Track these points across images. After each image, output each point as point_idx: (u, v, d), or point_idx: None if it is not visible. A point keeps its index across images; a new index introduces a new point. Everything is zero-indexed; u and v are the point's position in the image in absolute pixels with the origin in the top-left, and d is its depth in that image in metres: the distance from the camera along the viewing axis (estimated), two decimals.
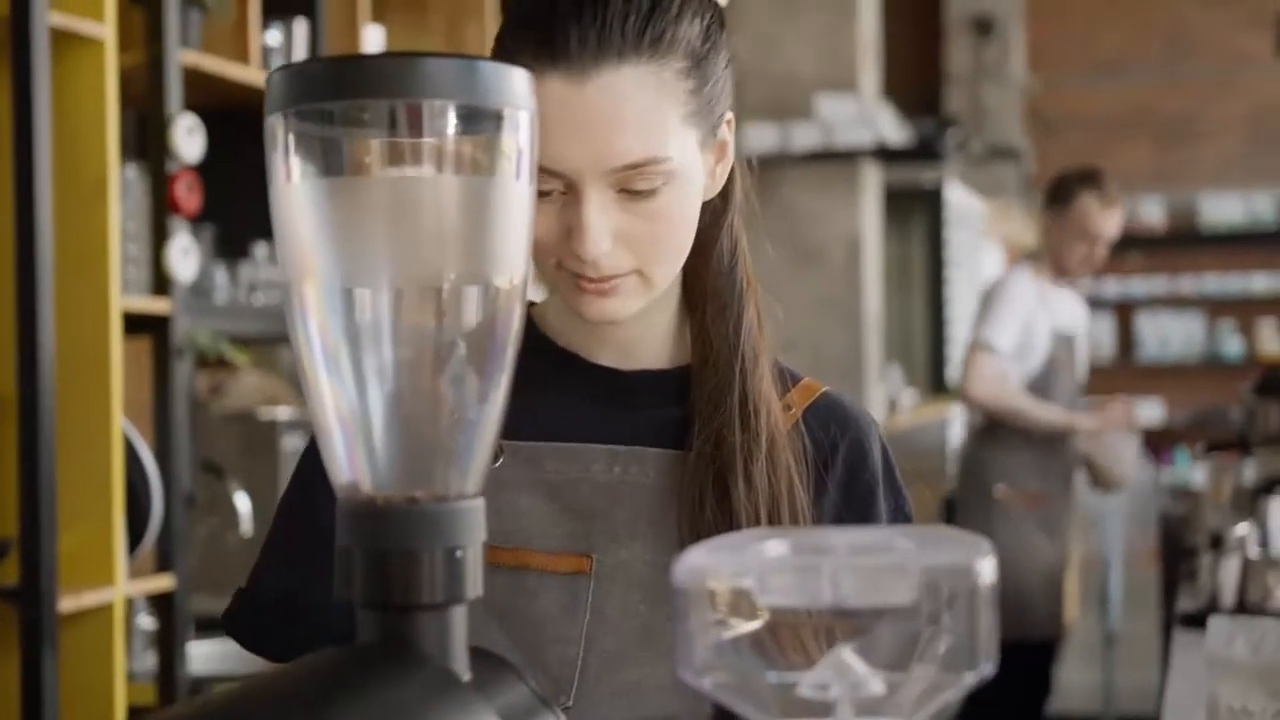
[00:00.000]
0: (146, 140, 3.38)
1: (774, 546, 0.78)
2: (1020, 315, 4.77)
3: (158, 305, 3.31)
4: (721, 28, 1.38)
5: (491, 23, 4.63)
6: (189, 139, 3.33)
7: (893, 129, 7.04)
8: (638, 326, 1.42)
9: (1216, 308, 10.64)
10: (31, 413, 2.90)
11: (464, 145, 0.85)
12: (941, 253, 8.45)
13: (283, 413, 3.77)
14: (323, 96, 0.83)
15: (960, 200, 8.67)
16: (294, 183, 0.85)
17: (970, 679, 0.73)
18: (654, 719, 1.35)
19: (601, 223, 1.30)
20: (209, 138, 3.40)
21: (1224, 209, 10.58)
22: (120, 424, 3.11)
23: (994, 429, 4.84)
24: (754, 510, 1.35)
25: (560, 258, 1.32)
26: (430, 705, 0.81)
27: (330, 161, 0.85)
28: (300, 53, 3.86)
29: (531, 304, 1.46)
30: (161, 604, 3.40)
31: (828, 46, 6.92)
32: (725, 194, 1.45)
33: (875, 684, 0.74)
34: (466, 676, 0.84)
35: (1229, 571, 3.12)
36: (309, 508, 1.41)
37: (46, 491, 2.92)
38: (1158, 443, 10.37)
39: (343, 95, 0.83)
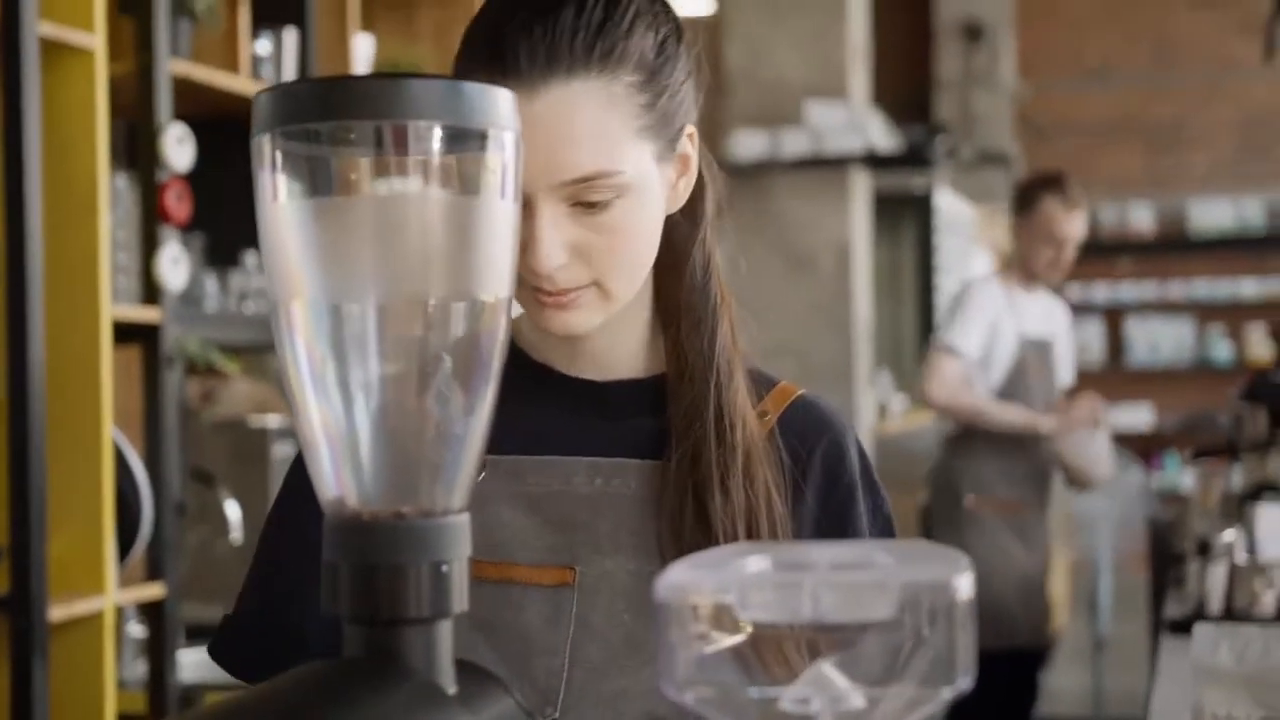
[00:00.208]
0: (136, 149, 3.39)
1: (755, 562, 0.78)
2: (985, 321, 4.77)
3: (148, 314, 3.32)
4: (679, 41, 1.38)
5: None
6: (179, 148, 3.34)
7: (882, 135, 7.05)
8: (610, 338, 1.43)
9: (1206, 313, 10.66)
10: (22, 421, 2.91)
11: (449, 164, 0.86)
12: (931, 259, 8.47)
13: (273, 420, 3.77)
14: (309, 117, 0.84)
15: (950, 206, 8.69)
16: (281, 202, 0.86)
17: (948, 694, 0.74)
18: None
19: (554, 236, 1.30)
20: (199, 147, 3.40)
21: (1213, 214, 10.60)
22: (110, 432, 3.12)
23: (964, 438, 4.83)
24: (731, 523, 1.36)
25: (519, 272, 1.33)
26: (416, 719, 0.82)
27: (317, 181, 0.86)
28: (290, 62, 3.86)
29: None
30: (152, 612, 3.41)
31: (817, 53, 6.94)
32: (696, 208, 1.46)
33: (856, 698, 0.75)
34: (452, 690, 0.85)
35: (1216, 578, 3.13)
36: (294, 534, 1.41)
37: (36, 500, 2.92)
38: (1147, 447, 10.38)
39: (329, 116, 0.84)
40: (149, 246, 3.33)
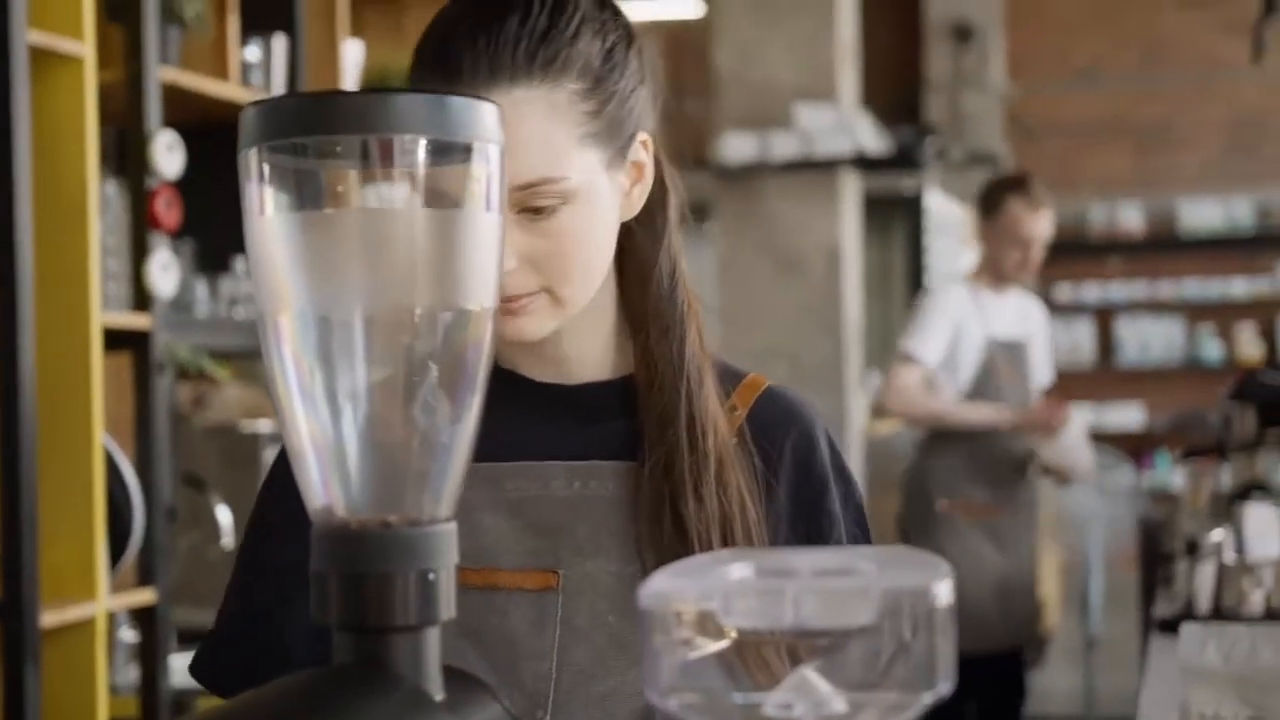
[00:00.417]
0: (126, 157, 3.39)
1: (738, 569, 0.79)
2: (946, 326, 4.76)
3: (138, 321, 3.32)
4: (628, 48, 1.39)
5: None
6: (168, 155, 3.34)
7: (871, 137, 7.06)
8: (575, 343, 1.44)
9: (1196, 312, 10.67)
10: (13, 428, 2.91)
11: (434, 177, 0.88)
12: (922, 260, 8.48)
13: (264, 426, 3.78)
14: (296, 132, 0.85)
15: (940, 207, 8.70)
16: (268, 215, 0.87)
17: (929, 698, 0.75)
18: None
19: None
20: (188, 153, 3.41)
21: (1203, 214, 10.62)
22: (101, 439, 3.12)
23: (935, 441, 4.82)
24: (707, 529, 1.37)
25: None
26: None
27: (304, 195, 0.87)
28: (279, 68, 3.87)
29: None
30: (143, 617, 3.41)
31: (807, 56, 6.95)
32: (658, 217, 1.47)
33: (838, 704, 0.76)
34: (440, 697, 0.86)
35: (1204, 577, 3.14)
36: (271, 551, 1.43)
37: (28, 506, 2.92)
38: (1138, 447, 10.40)
39: (315, 130, 0.85)
40: (139, 253, 3.34)
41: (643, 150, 1.42)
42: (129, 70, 3.33)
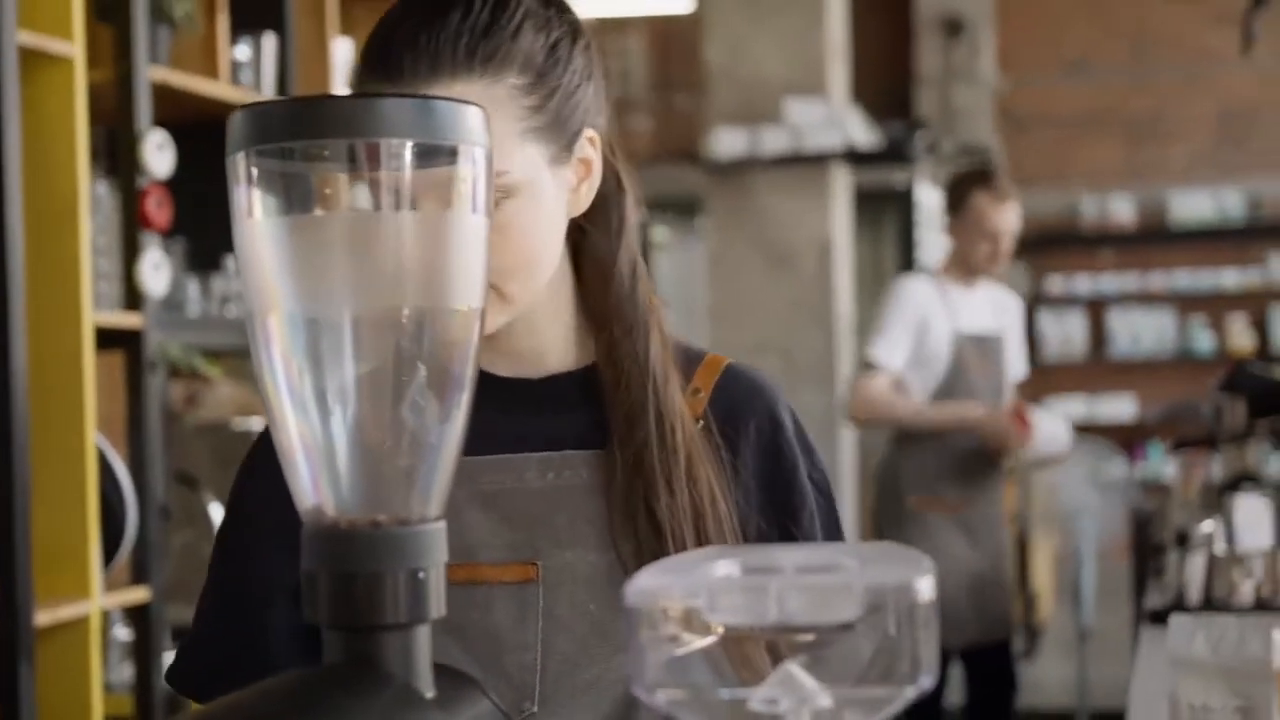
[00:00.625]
0: (116, 156, 3.40)
1: (723, 566, 0.80)
2: (910, 325, 4.74)
3: (130, 320, 3.33)
4: (573, 44, 1.39)
5: None
6: (159, 155, 3.34)
7: (862, 132, 7.07)
8: (533, 338, 1.45)
9: (1187, 304, 10.68)
10: (5, 428, 2.92)
11: (421, 180, 0.88)
12: (913, 253, 8.48)
13: (256, 423, 3.78)
14: (283, 136, 0.86)
15: (931, 201, 8.70)
16: (256, 218, 0.87)
17: (912, 692, 0.76)
18: (616, 713, 1.39)
19: None
20: (179, 152, 3.41)
21: (1194, 206, 10.63)
22: (94, 438, 3.13)
23: (906, 437, 4.80)
24: (679, 521, 1.38)
25: None
26: None
27: (292, 198, 0.88)
28: (269, 67, 3.87)
29: None
30: (137, 615, 3.42)
31: (797, 51, 6.95)
32: (612, 215, 1.48)
33: (822, 698, 0.77)
34: (430, 694, 0.87)
35: (1195, 568, 3.15)
36: (246, 555, 1.44)
37: (21, 506, 2.93)
38: (1130, 438, 10.41)
39: (303, 135, 0.86)
40: (130, 253, 3.34)
41: (590, 147, 1.43)
42: (119, 70, 3.33)
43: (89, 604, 3.12)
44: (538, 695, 1.37)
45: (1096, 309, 10.81)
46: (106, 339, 3.26)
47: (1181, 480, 5.07)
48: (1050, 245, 10.73)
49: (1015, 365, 5.04)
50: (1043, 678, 6.92)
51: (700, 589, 0.78)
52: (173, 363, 3.48)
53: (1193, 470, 5.06)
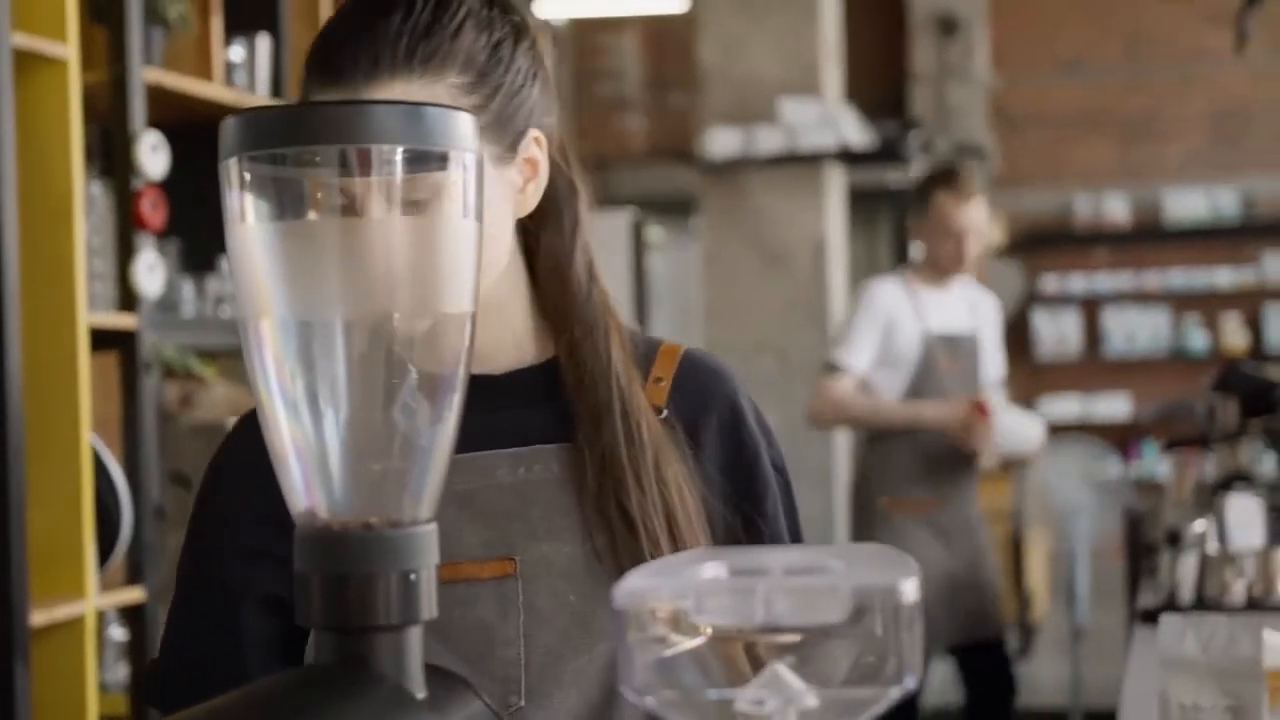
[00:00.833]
0: (111, 157, 3.40)
1: (711, 569, 0.81)
2: (876, 327, 4.71)
3: (124, 321, 3.33)
4: (517, 44, 1.40)
5: None
6: (153, 156, 3.35)
7: (856, 131, 7.08)
8: (488, 335, 1.44)
9: (1182, 302, 10.70)
10: (1, 429, 2.92)
11: (412, 185, 0.89)
12: (908, 253, 8.49)
13: None
14: (275, 142, 0.87)
15: None
16: (249, 223, 0.88)
17: (897, 693, 0.77)
18: (601, 701, 1.40)
19: None
20: (173, 153, 3.42)
21: (1188, 204, 10.64)
22: (89, 439, 3.13)
23: (876, 438, 4.78)
24: (650, 515, 1.40)
25: None
26: None
27: (284, 203, 0.88)
28: (263, 68, 3.87)
29: None
30: (132, 616, 3.43)
31: (791, 51, 6.96)
32: (563, 217, 1.48)
33: (809, 699, 0.78)
34: (421, 694, 0.88)
35: (1187, 568, 3.15)
36: (213, 564, 1.43)
37: (16, 506, 2.94)
38: (1125, 437, 10.43)
39: (294, 141, 0.87)
40: (125, 253, 3.35)
41: (536, 147, 1.43)
42: (113, 71, 3.34)
43: (84, 604, 3.13)
44: (524, 689, 1.38)
45: (1091, 308, 10.82)
46: (101, 340, 3.27)
47: (1175, 480, 5.08)
48: (1045, 244, 10.75)
49: (992, 365, 5.00)
50: (1037, 676, 6.93)
51: (688, 591, 0.78)
52: (167, 363, 3.49)
53: (1186, 469, 5.07)
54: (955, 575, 4.63)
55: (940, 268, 4.80)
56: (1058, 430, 10.12)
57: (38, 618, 3.00)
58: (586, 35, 10.60)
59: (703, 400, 1.49)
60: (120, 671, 3.57)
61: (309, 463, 0.88)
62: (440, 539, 1.40)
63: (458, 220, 0.89)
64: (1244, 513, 3.43)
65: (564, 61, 5.80)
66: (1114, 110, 10.80)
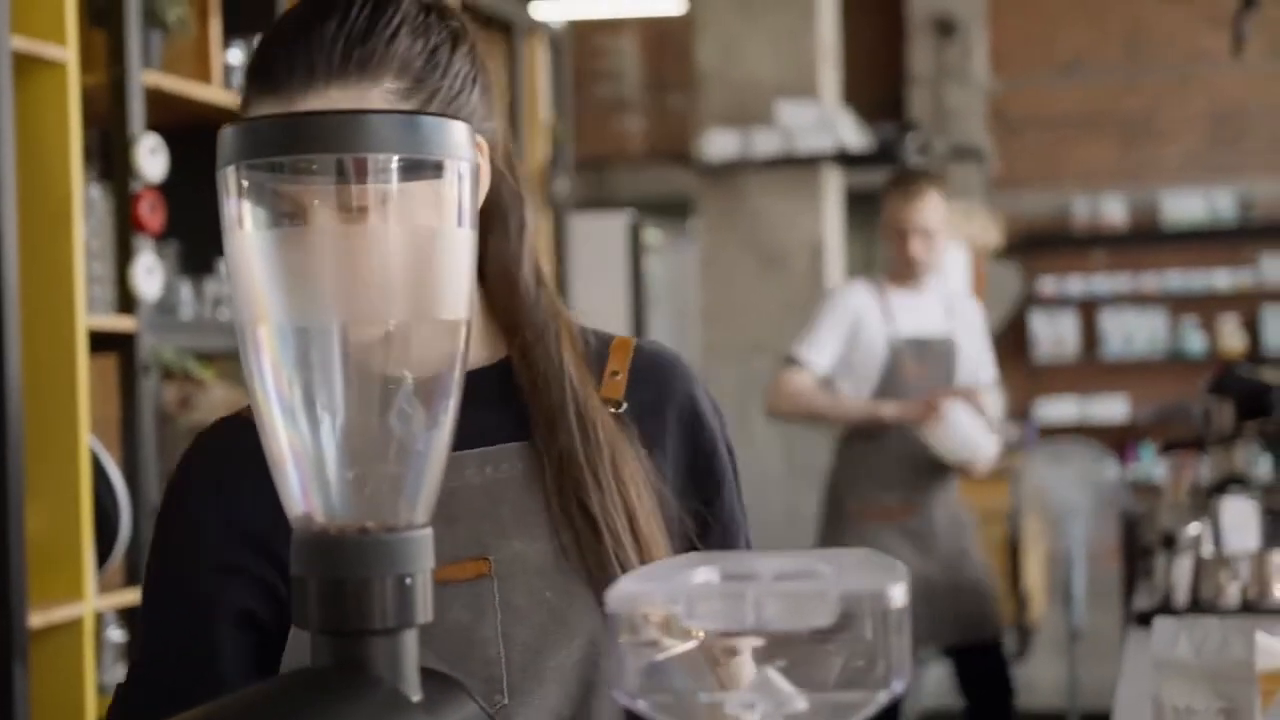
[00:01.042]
0: (110, 160, 3.41)
1: (702, 573, 0.82)
2: (840, 329, 4.69)
3: (123, 323, 3.34)
4: (454, 49, 1.40)
5: None
6: (152, 159, 3.36)
7: (853, 134, 7.09)
8: None
9: (1179, 304, 10.72)
10: (0, 430, 2.93)
11: (408, 194, 0.91)
12: None
13: None
14: (273, 151, 0.88)
15: None
16: (246, 231, 0.89)
17: (884, 697, 0.78)
18: (580, 694, 1.41)
19: None
20: (171, 156, 3.42)
21: (1185, 206, 10.66)
22: (87, 441, 3.14)
23: (847, 443, 4.77)
24: (611, 514, 1.41)
25: None
26: None
27: (281, 211, 0.89)
28: None
29: None
30: (131, 617, 3.43)
31: (788, 53, 6.97)
32: (512, 221, 1.48)
33: (798, 702, 0.79)
34: (417, 698, 0.88)
35: (1182, 570, 3.16)
36: (185, 578, 1.42)
37: (15, 508, 2.94)
38: (1122, 439, 10.44)
39: (291, 150, 0.88)
40: (123, 256, 3.36)
41: (477, 153, 1.44)
42: (112, 74, 3.35)
43: (83, 606, 3.13)
44: (506, 687, 1.38)
45: (1088, 310, 10.83)
46: (100, 342, 3.28)
47: (1171, 482, 5.08)
48: (1042, 246, 10.76)
49: (974, 368, 4.94)
50: (1034, 678, 6.94)
51: (680, 595, 0.79)
52: (166, 365, 3.49)
53: (1182, 472, 5.07)
54: (932, 580, 4.57)
55: (898, 270, 4.78)
56: (1055, 432, 10.15)
57: (36, 619, 3.00)
58: (585, 37, 10.61)
59: (660, 392, 1.51)
60: (118, 673, 3.57)
61: (306, 468, 0.89)
62: None
63: (452, 228, 0.90)
64: (1239, 515, 3.44)
65: (562, 63, 5.80)
66: (1112, 112, 10.82)
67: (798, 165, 6.86)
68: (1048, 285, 10.76)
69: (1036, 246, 10.73)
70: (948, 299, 4.93)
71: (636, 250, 8.21)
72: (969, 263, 9.20)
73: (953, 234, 8.77)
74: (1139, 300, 10.73)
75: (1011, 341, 10.50)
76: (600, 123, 10.98)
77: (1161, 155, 10.81)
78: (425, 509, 0.91)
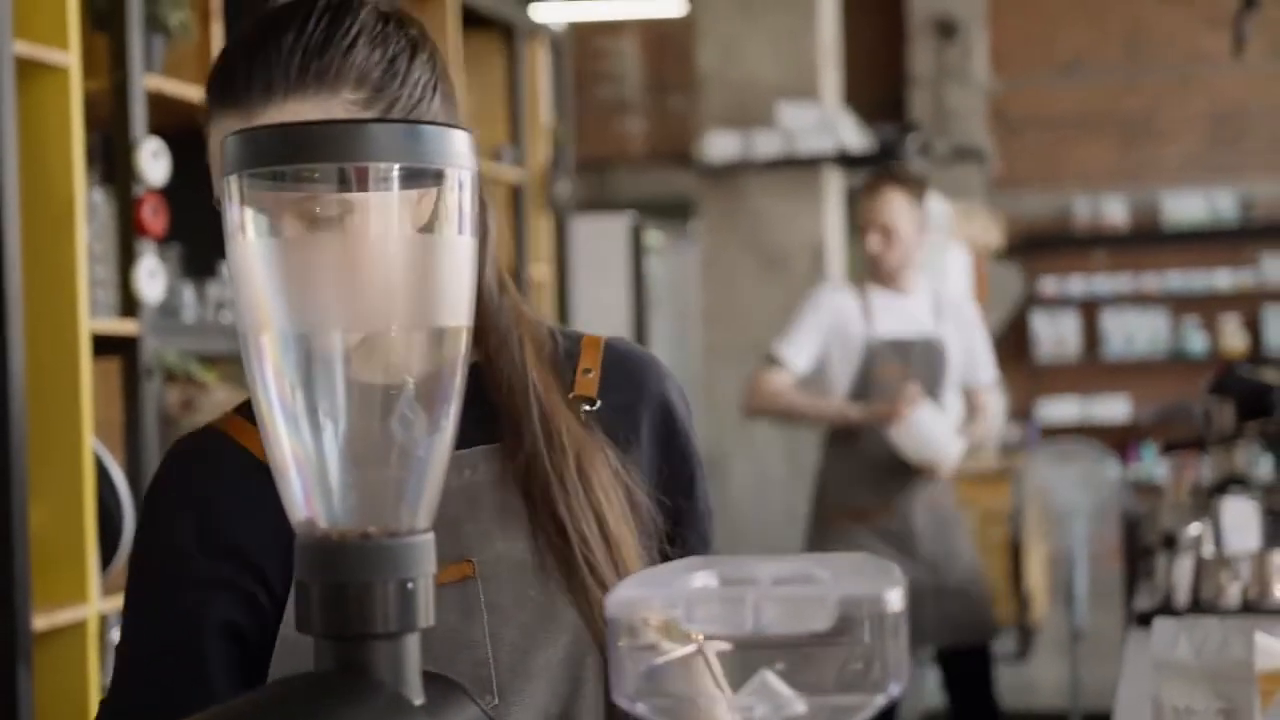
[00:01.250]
0: (112, 164, 3.41)
1: (701, 578, 0.83)
2: (819, 331, 4.70)
3: (126, 326, 3.35)
4: (413, 58, 1.40)
5: (456, 43, 4.67)
6: (154, 162, 3.36)
7: (854, 135, 7.10)
8: None
9: (1180, 304, 10.73)
10: (3, 433, 2.94)
11: (409, 202, 0.92)
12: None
13: None
14: (275, 160, 0.89)
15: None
16: (249, 238, 0.90)
17: (882, 700, 0.79)
18: (568, 691, 1.42)
19: None
20: (174, 159, 3.43)
21: (1186, 207, 10.67)
22: (91, 444, 3.15)
23: (830, 446, 4.76)
24: (577, 519, 1.41)
25: None
26: None
27: (283, 219, 0.90)
28: None
29: None
30: None
31: (789, 53, 6.98)
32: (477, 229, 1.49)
33: (797, 705, 0.80)
34: (419, 701, 0.89)
35: (1182, 570, 3.17)
36: (170, 590, 1.41)
37: (19, 511, 2.95)
38: (1124, 439, 10.45)
39: (293, 159, 0.89)
40: (126, 260, 3.36)
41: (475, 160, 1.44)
42: (114, 79, 3.35)
43: (86, 608, 3.14)
44: (496, 687, 1.39)
45: (1090, 310, 10.84)
46: (103, 345, 3.28)
47: (1172, 482, 5.09)
48: (1043, 246, 10.77)
49: (968, 368, 4.91)
50: (1036, 678, 6.95)
51: (679, 600, 0.80)
52: (168, 368, 3.50)
53: (1183, 472, 5.08)
54: (914, 582, 4.51)
55: (871, 268, 4.79)
56: (1056, 432, 10.16)
57: (40, 622, 3.01)
58: (586, 39, 10.62)
59: (633, 388, 1.51)
60: None
61: (308, 473, 0.90)
62: None
63: (454, 236, 0.91)
64: (1239, 516, 3.44)
65: (563, 65, 5.81)
66: (1112, 112, 10.83)
67: (798, 166, 6.87)
68: (1049, 285, 10.77)
69: (1037, 247, 10.74)
70: (937, 299, 4.90)
71: (637, 251, 8.22)
72: (970, 263, 9.20)
73: (953, 235, 8.78)
74: (1140, 300, 10.74)
75: (1013, 342, 10.51)
76: (601, 124, 10.99)
77: (1162, 155, 10.82)
78: (427, 514, 0.92)
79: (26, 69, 3.05)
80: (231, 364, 4.00)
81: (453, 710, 0.93)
